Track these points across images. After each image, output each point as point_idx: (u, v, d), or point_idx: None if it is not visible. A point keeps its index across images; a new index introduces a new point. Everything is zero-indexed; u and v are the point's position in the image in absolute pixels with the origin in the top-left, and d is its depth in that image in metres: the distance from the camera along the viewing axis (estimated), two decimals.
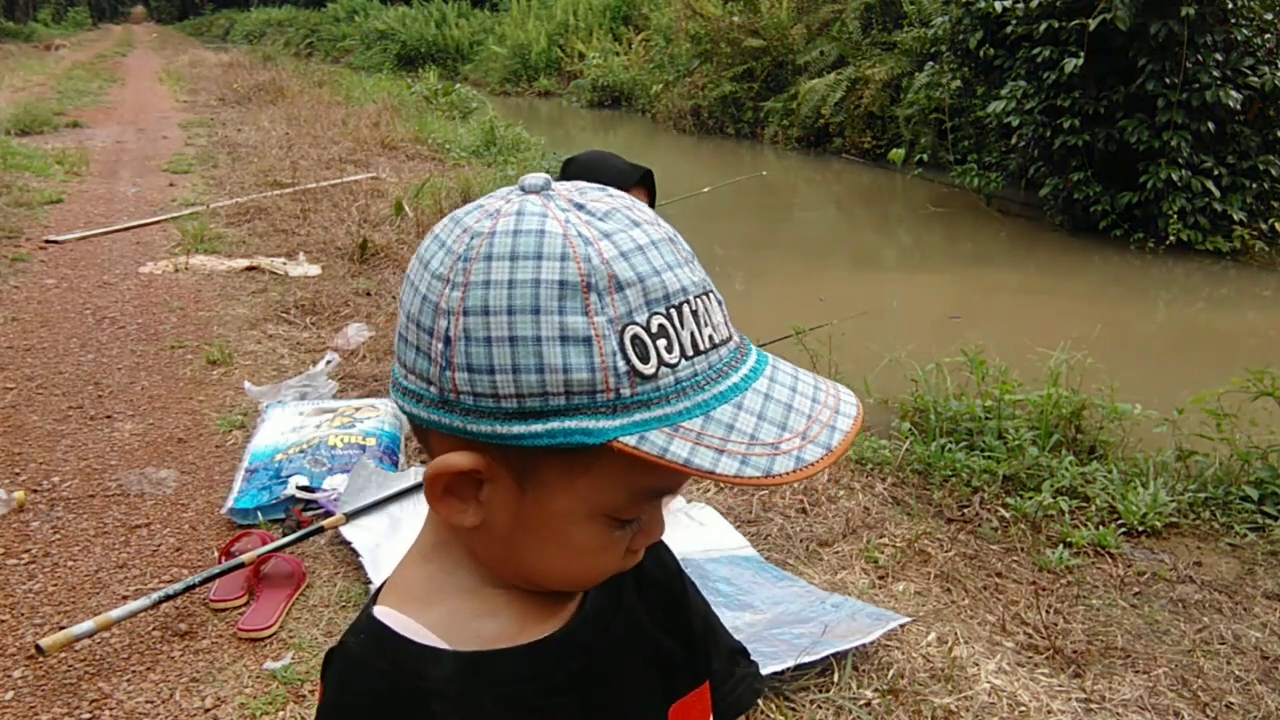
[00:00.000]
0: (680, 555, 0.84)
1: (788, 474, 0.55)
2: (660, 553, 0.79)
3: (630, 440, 0.55)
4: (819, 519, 2.85)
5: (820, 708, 2.02)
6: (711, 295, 0.60)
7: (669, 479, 0.60)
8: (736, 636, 0.88)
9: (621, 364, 0.55)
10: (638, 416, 0.55)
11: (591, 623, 0.70)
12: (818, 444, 0.56)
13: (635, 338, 0.55)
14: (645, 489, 0.60)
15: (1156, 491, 2.99)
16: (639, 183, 2.19)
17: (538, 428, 0.56)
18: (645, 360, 0.55)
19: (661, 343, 0.56)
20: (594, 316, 0.55)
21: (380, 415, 3.24)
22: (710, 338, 0.58)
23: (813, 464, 0.55)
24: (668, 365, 0.56)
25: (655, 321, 0.56)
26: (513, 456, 0.59)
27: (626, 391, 0.55)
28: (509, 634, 0.67)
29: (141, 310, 4.69)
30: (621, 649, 0.72)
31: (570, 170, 2.17)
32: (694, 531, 2.69)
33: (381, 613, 0.67)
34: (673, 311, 0.57)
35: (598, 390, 0.55)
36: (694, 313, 0.57)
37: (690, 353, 0.57)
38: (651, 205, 2.27)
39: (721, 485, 3.05)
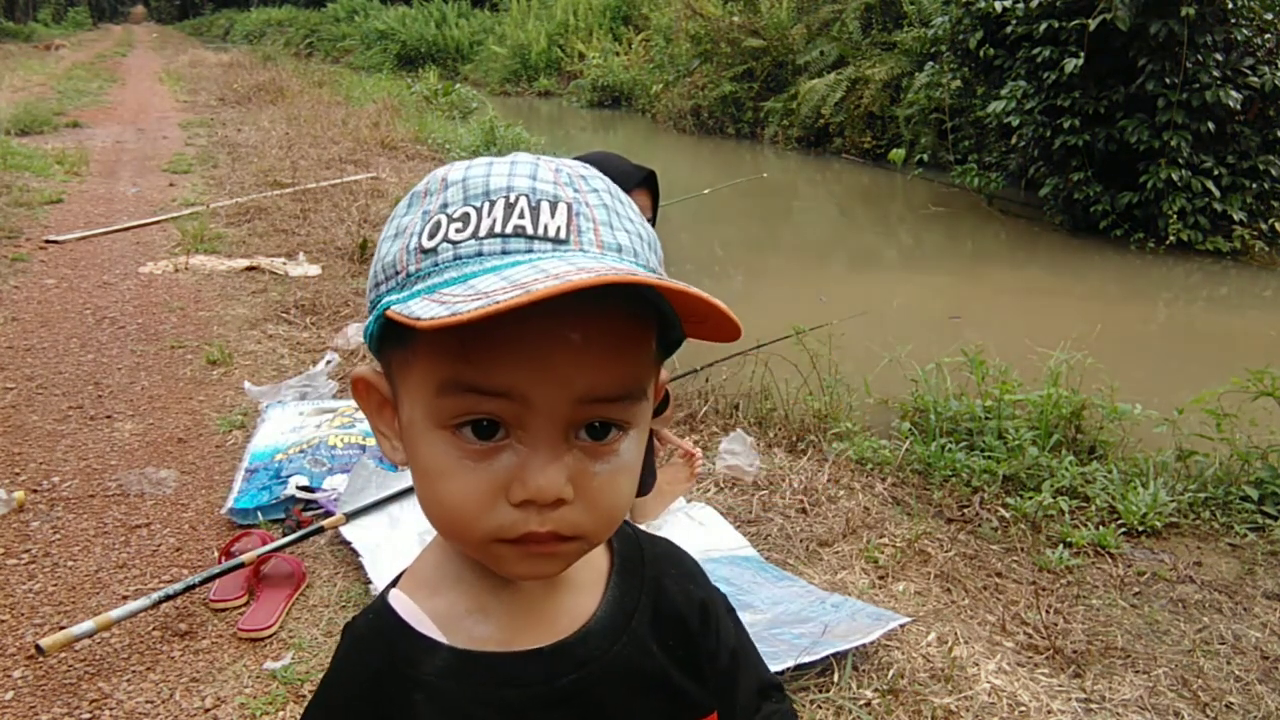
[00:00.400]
0: None
1: (469, 311, 0.51)
2: (687, 585, 0.77)
3: (399, 309, 0.56)
4: (819, 519, 2.85)
5: (820, 708, 2.02)
6: (558, 205, 0.59)
7: (465, 366, 0.57)
8: None
9: (414, 243, 0.59)
10: (415, 288, 0.58)
11: (591, 640, 0.69)
12: (525, 290, 0.51)
13: (436, 222, 0.59)
14: (446, 379, 0.58)
15: (1156, 491, 2.99)
16: (642, 184, 2.18)
17: (370, 319, 0.61)
18: (433, 238, 0.59)
19: (456, 225, 0.58)
20: (417, 213, 0.61)
21: None
22: (518, 227, 0.58)
23: (499, 303, 0.50)
24: (450, 242, 0.58)
25: (463, 210, 0.59)
26: (384, 364, 0.64)
27: (413, 268, 0.59)
28: (500, 638, 0.67)
29: (141, 310, 4.69)
30: (621, 671, 0.69)
31: None
32: (694, 531, 2.69)
33: (394, 596, 0.69)
34: (485, 204, 0.59)
35: (398, 271, 0.60)
36: (509, 205, 0.58)
37: (483, 234, 0.58)
38: (655, 207, 2.26)
39: (722, 485, 3.05)
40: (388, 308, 0.57)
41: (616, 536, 0.76)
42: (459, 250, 0.58)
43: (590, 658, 0.68)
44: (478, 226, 0.58)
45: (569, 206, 0.59)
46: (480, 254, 0.57)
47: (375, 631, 0.68)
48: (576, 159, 0.70)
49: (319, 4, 29.77)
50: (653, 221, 2.16)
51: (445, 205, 0.60)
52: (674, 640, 0.73)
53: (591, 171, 0.63)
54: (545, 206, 0.59)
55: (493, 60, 20.43)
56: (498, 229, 0.58)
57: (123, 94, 15.00)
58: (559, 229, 0.58)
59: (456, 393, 0.58)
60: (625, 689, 0.70)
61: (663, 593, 0.74)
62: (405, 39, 22.56)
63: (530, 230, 0.58)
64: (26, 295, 4.89)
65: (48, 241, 5.88)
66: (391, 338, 0.61)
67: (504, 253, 0.57)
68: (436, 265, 0.58)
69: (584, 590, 0.71)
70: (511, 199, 0.59)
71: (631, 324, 0.60)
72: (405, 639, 0.66)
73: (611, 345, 0.59)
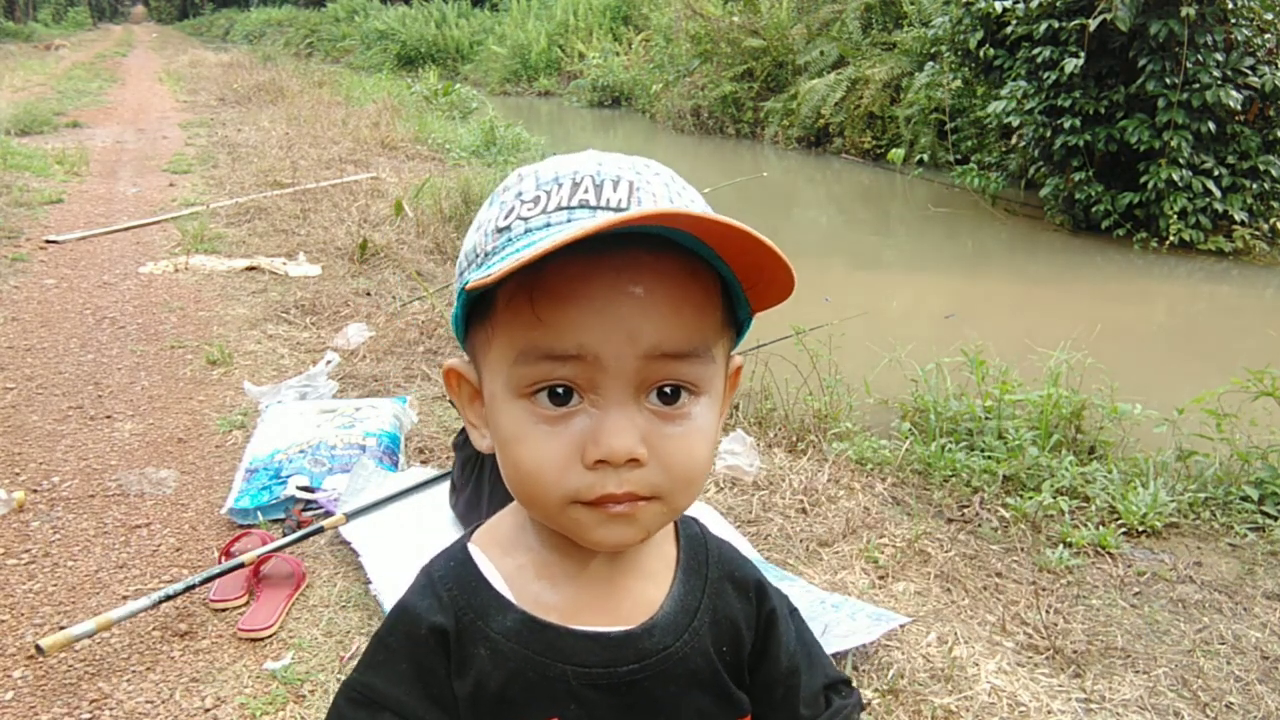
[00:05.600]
0: None
1: (531, 252, 0.56)
2: (748, 591, 0.79)
3: (476, 278, 0.61)
4: (819, 519, 2.85)
5: None
6: (620, 182, 0.63)
7: (539, 331, 0.61)
8: None
9: (491, 226, 0.64)
10: (490, 262, 0.62)
11: (656, 634, 0.71)
12: (581, 228, 0.57)
13: (511, 208, 0.64)
14: (526, 346, 0.62)
15: (1156, 491, 2.99)
16: None
17: (455, 305, 0.66)
18: (507, 218, 0.63)
19: (528, 205, 0.63)
20: (495, 205, 0.66)
21: (380, 415, 3.24)
22: (583, 200, 0.62)
23: (557, 241, 0.56)
24: (521, 219, 0.62)
25: (535, 194, 0.63)
26: (470, 351, 0.68)
27: (490, 246, 0.63)
28: (565, 611, 0.69)
29: (141, 310, 4.69)
30: (678, 668, 0.72)
31: None
32: None
33: (473, 548, 0.72)
34: (554, 186, 0.63)
35: (478, 254, 0.64)
36: (575, 184, 0.63)
37: (550, 208, 0.62)
38: None
39: (722, 485, 3.05)
40: (466, 282, 0.62)
41: (684, 531, 0.78)
42: (529, 224, 0.62)
43: (652, 651, 0.70)
44: (546, 204, 0.62)
45: (630, 183, 0.63)
46: (548, 225, 0.61)
47: (453, 577, 0.71)
48: None
49: (319, 4, 29.79)
50: None
51: (520, 194, 0.64)
52: (727, 646, 0.76)
53: (655, 162, 0.67)
54: (609, 184, 0.62)
55: (493, 60, 20.43)
56: (564, 203, 0.62)
57: (123, 94, 15.00)
58: (620, 200, 0.62)
59: (532, 360, 0.62)
60: (677, 685, 0.72)
61: (722, 597, 0.76)
62: (405, 39, 22.56)
63: (593, 202, 0.62)
64: (26, 295, 4.89)
65: (48, 241, 5.88)
66: (475, 318, 0.66)
67: (569, 221, 0.61)
68: (510, 240, 0.62)
69: (651, 578, 0.74)
70: (578, 179, 0.63)
71: (693, 281, 0.63)
72: (480, 590, 0.69)
73: (674, 299, 0.62)
